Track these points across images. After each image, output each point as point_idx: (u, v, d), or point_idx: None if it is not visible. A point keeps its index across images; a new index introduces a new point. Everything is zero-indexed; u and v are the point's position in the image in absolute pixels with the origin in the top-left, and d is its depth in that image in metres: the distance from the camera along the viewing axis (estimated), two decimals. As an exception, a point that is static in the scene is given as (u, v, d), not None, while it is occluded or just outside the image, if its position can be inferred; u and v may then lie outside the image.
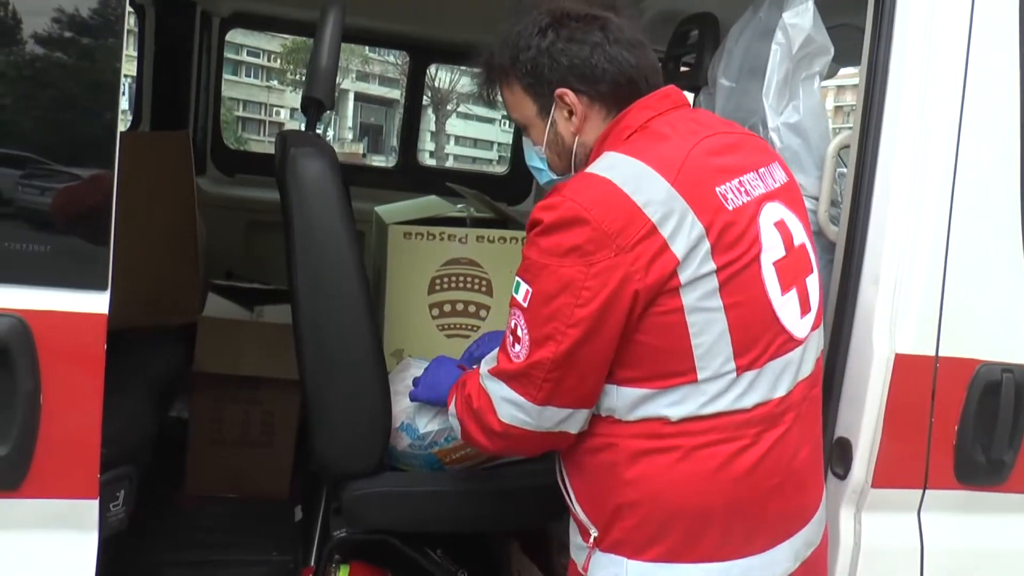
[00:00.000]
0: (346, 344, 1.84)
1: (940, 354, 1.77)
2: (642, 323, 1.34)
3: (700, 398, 1.36)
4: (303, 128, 2.06)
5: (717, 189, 1.38)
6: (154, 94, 3.54)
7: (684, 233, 1.32)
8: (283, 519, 2.72)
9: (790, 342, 1.45)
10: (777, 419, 1.43)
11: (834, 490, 1.80)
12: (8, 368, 1.37)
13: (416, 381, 1.87)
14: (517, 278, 1.39)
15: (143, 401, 2.23)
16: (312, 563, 2.06)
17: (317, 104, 1.88)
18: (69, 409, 1.41)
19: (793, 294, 1.45)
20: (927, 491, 1.81)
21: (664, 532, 1.39)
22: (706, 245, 1.33)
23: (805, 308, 1.48)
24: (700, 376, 1.35)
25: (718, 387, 1.37)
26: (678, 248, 1.32)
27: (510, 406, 1.41)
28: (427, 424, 1.85)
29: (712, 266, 1.34)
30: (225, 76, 4.22)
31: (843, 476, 1.78)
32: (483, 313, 2.75)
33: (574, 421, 1.42)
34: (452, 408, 1.58)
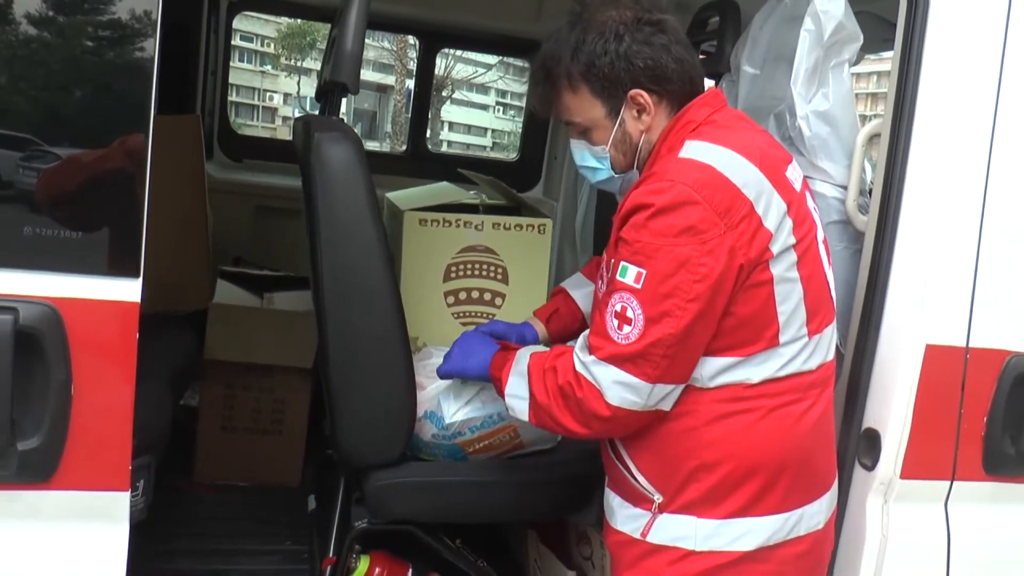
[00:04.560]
0: (372, 332, 1.82)
1: (971, 345, 1.76)
2: (737, 295, 1.44)
3: (779, 361, 1.49)
4: (319, 113, 2.03)
5: (786, 173, 1.51)
6: (160, 78, 3.48)
7: (773, 210, 1.45)
8: (295, 507, 2.70)
9: (832, 311, 1.60)
10: (827, 381, 1.59)
11: (861, 481, 1.80)
12: (39, 358, 1.35)
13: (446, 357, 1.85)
14: (624, 263, 1.44)
15: (161, 390, 2.20)
16: (332, 553, 2.04)
17: (341, 88, 1.85)
18: (101, 399, 1.39)
19: (830, 271, 1.61)
20: (955, 482, 1.80)
21: (740, 488, 1.50)
22: (789, 222, 1.47)
23: None
24: (781, 340, 1.48)
25: (793, 350, 1.49)
26: (770, 223, 1.44)
27: (622, 388, 1.46)
28: (453, 414, 1.83)
29: (793, 240, 1.47)
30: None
31: (871, 467, 1.78)
32: (499, 301, 2.72)
33: (673, 396, 1.50)
34: (518, 390, 1.59)
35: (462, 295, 2.69)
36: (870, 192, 1.87)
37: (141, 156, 1.37)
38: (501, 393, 1.65)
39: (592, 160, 1.65)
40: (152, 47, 1.37)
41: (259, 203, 3.60)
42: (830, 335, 1.58)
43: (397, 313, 1.84)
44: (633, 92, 1.56)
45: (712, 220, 1.40)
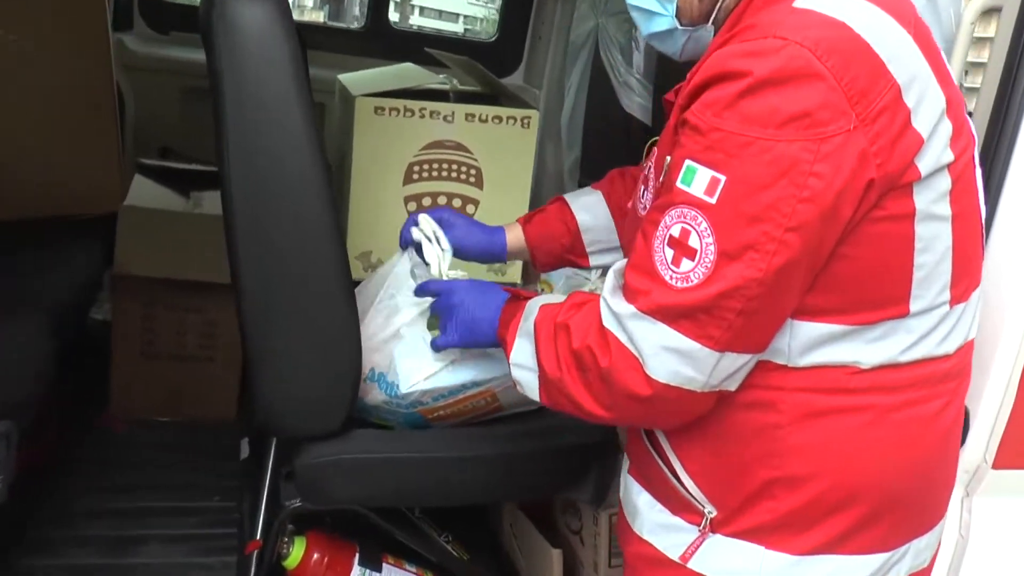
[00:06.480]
0: (298, 262, 1.36)
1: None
2: (856, 231, 0.95)
3: (905, 338, 1.01)
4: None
5: (943, 56, 1.00)
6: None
7: (928, 105, 0.95)
8: (228, 451, 2.27)
9: (980, 268, 1.11)
10: (964, 370, 1.12)
11: (939, 467, 1.39)
12: None
13: (437, 309, 1.35)
14: (690, 162, 0.94)
15: (24, 328, 1.71)
16: (259, 535, 1.62)
17: None
18: None
19: (984, 208, 1.12)
20: (1064, 473, 1.41)
21: (833, 516, 1.05)
22: (948, 126, 0.97)
23: None
24: (913, 308, 1.00)
25: (927, 324, 1.02)
26: (922, 125, 0.94)
27: (674, 358, 0.97)
28: (412, 384, 1.37)
29: (950, 157, 0.97)
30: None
31: (954, 450, 1.37)
32: (471, 209, 2.33)
33: (743, 373, 1.01)
34: (524, 359, 1.13)
35: (426, 201, 2.28)
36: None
37: None
38: (507, 356, 1.17)
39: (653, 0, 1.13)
40: None
41: (190, 84, 3.03)
42: (976, 304, 1.10)
43: (333, 236, 1.38)
44: None
45: (839, 107, 0.90)
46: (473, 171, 2.32)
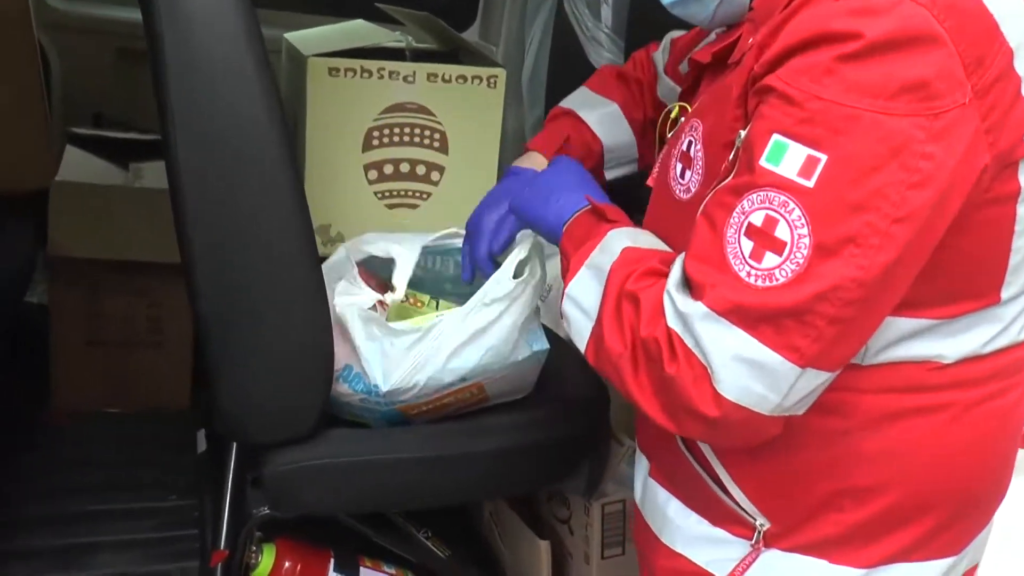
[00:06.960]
0: (262, 241, 1.22)
1: None
2: (970, 217, 0.83)
3: (991, 328, 0.91)
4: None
5: None
6: None
7: None
8: (183, 443, 2.12)
9: None
10: None
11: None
12: None
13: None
14: (779, 137, 0.79)
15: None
16: (224, 544, 1.48)
17: None
18: None
19: None
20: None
21: (905, 525, 0.95)
22: None
23: None
24: (1003, 296, 0.90)
25: (1014, 311, 0.92)
26: None
27: (747, 371, 0.81)
28: (393, 382, 1.23)
29: None
30: None
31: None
32: (435, 176, 2.17)
33: (814, 396, 0.87)
34: (584, 298, 0.96)
35: (388, 169, 2.12)
36: None
37: None
38: (564, 278, 1.01)
39: None
40: None
41: (122, 44, 2.82)
42: None
43: (301, 211, 1.23)
44: None
45: (956, 76, 0.76)
46: (437, 135, 2.17)
